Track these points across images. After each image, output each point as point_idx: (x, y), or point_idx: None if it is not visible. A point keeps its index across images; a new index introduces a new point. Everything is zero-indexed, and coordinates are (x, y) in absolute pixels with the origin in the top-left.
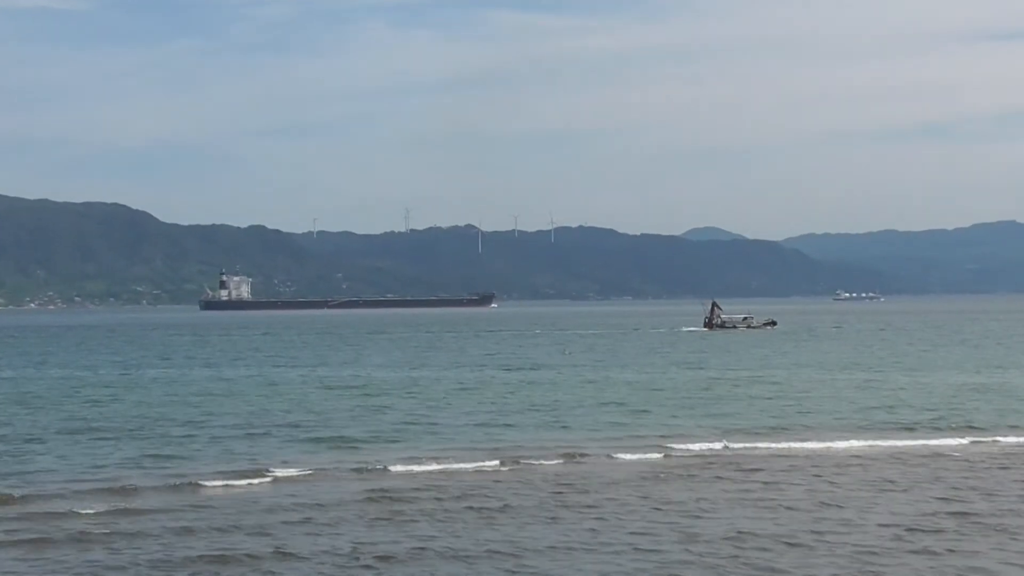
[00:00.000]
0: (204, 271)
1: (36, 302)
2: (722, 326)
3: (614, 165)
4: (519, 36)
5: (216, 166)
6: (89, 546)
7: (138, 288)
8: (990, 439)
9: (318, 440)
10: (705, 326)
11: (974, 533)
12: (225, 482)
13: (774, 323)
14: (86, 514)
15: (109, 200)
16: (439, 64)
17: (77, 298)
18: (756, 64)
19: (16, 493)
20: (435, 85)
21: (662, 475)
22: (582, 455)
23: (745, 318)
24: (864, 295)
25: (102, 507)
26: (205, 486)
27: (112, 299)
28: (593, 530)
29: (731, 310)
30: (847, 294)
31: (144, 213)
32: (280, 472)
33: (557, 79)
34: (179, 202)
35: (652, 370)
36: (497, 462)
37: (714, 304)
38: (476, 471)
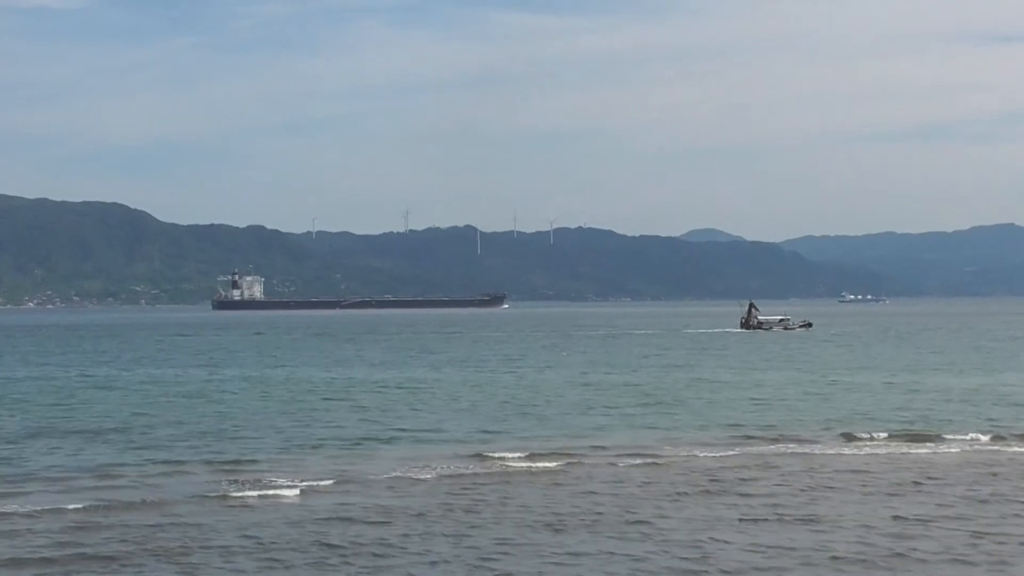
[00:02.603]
0: (203, 271)
1: (34, 301)
2: (759, 327)
3: (614, 166)
4: (518, 36)
5: (215, 165)
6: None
7: (136, 287)
8: None
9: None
10: (742, 327)
11: None
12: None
13: (810, 324)
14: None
15: (108, 199)
16: (438, 63)
17: (76, 297)
18: (756, 64)
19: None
20: (434, 84)
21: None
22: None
23: (782, 319)
24: (868, 297)
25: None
26: (201, 498)
27: (110, 298)
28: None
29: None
30: (852, 296)
31: (143, 212)
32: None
33: (556, 79)
34: (178, 201)
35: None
36: (555, 463)
37: (751, 305)
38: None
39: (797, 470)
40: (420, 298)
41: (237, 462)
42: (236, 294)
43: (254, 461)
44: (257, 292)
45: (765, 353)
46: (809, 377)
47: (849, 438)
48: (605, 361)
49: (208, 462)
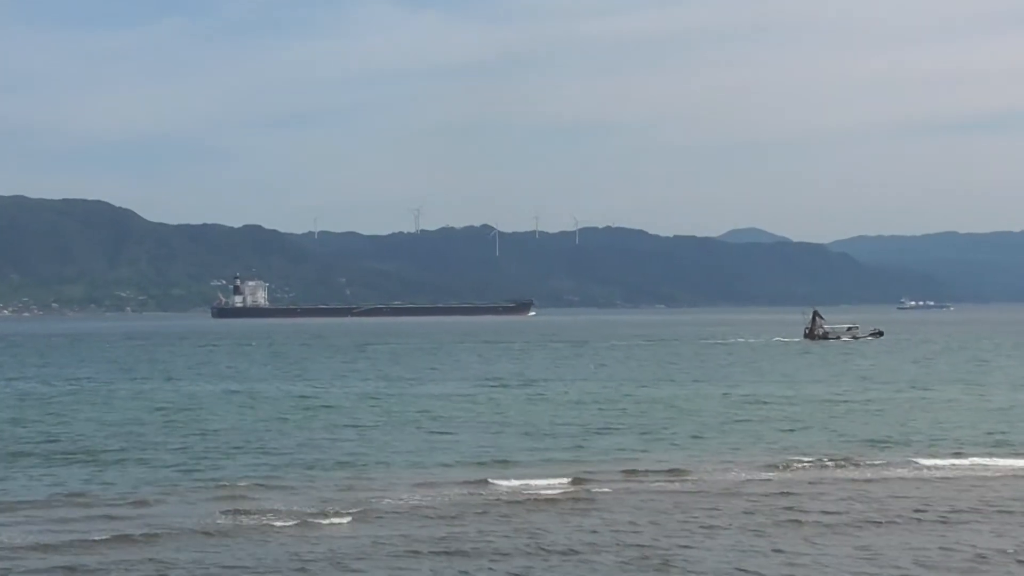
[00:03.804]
0: (194, 275)
1: (9, 308)
2: (824, 337)
3: (645, 160)
4: (539, 16)
5: (207, 160)
6: None
7: (121, 293)
8: None
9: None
10: (806, 337)
11: None
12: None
13: (880, 333)
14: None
15: (90, 197)
16: (451, 47)
17: (55, 304)
18: (803, 48)
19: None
20: (447, 70)
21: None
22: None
23: (849, 328)
24: (931, 304)
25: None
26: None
27: (93, 305)
28: None
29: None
30: (913, 303)
31: (128, 211)
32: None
33: (582, 64)
34: (166, 199)
35: None
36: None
37: (815, 313)
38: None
39: (844, 496)
40: (439, 305)
41: (230, 488)
42: (238, 300)
43: (249, 487)
44: (261, 298)
45: (830, 366)
46: (870, 392)
47: (904, 459)
48: (641, 375)
49: (199, 488)
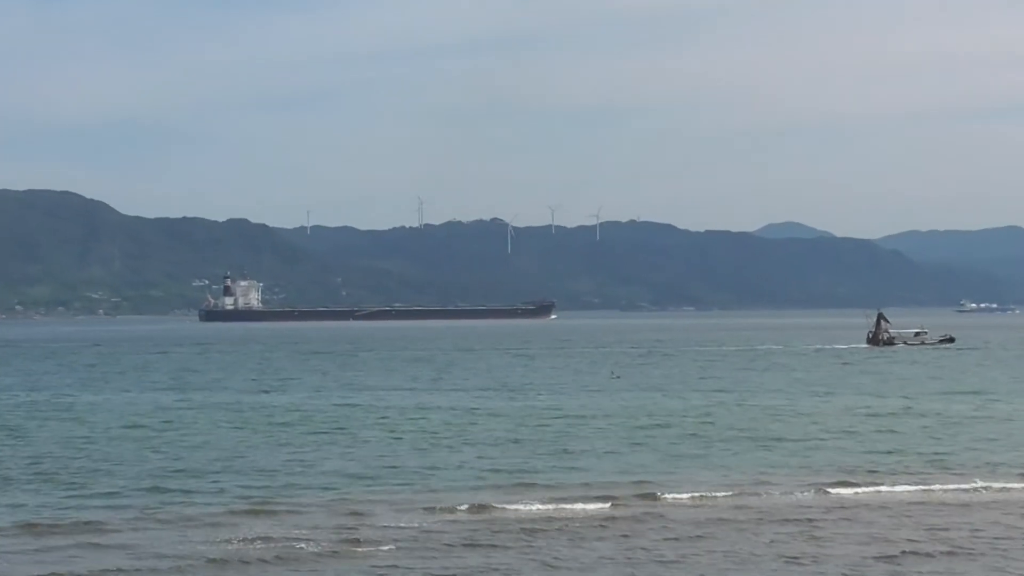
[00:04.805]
0: (173, 274)
1: None
2: (890, 342)
3: (673, 147)
4: None
5: (188, 147)
6: None
7: (93, 295)
8: None
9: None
10: (869, 342)
11: None
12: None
13: (951, 339)
14: None
15: (58, 187)
16: (460, 23)
17: (19, 306)
18: (848, 24)
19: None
20: (455, 48)
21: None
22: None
23: (917, 333)
24: (993, 306)
25: None
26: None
27: (61, 308)
28: None
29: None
30: (973, 304)
31: (100, 203)
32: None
33: (604, 42)
34: (142, 190)
35: None
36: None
37: (880, 316)
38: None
39: (894, 523)
40: (451, 307)
41: (212, 514)
42: (228, 302)
43: (233, 513)
44: (253, 300)
45: (890, 375)
46: (928, 404)
47: (964, 480)
48: (668, 386)
49: (177, 514)
